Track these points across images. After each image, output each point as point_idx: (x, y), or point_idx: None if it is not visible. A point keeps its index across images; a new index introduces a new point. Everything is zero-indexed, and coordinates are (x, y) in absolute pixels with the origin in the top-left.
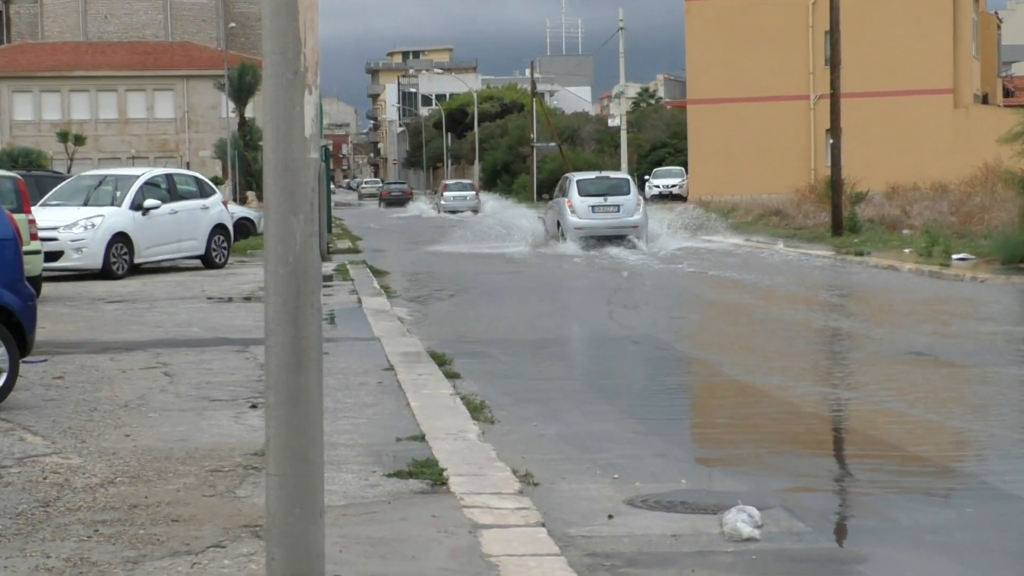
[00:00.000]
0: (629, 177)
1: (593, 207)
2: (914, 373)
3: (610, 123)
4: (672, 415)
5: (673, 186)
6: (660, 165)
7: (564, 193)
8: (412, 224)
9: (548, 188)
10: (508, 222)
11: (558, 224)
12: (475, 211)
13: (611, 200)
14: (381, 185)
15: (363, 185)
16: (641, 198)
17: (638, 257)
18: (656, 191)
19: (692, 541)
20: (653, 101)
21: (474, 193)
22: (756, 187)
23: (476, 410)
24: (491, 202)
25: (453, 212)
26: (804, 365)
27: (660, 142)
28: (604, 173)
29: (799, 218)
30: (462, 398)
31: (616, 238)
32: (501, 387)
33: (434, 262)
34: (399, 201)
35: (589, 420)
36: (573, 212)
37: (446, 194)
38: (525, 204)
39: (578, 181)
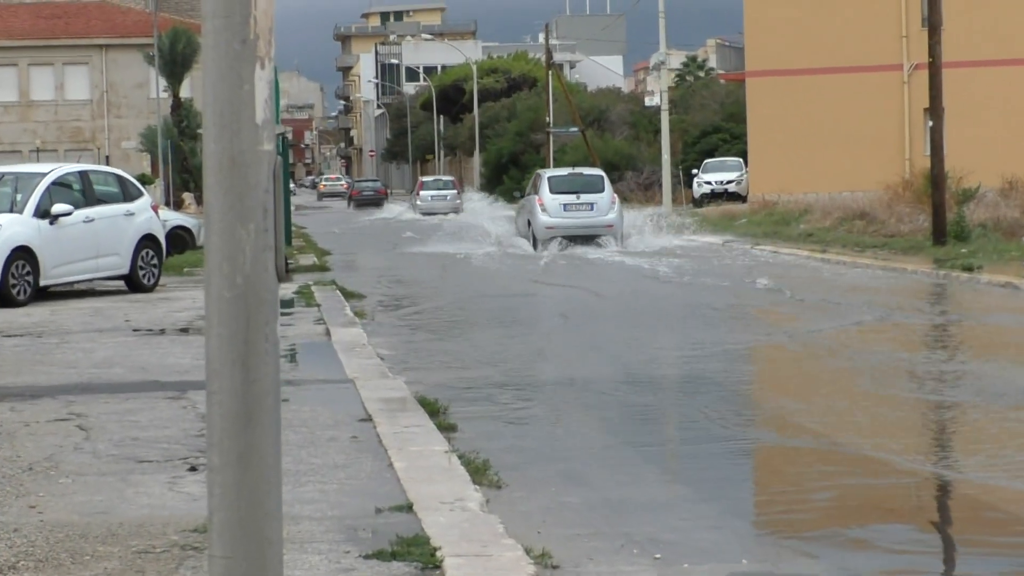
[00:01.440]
0: (603, 174)
1: (565, 205)
2: None
3: (647, 102)
4: (728, 475)
5: (729, 182)
6: (712, 155)
7: (535, 191)
8: (382, 228)
9: None
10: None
11: (529, 224)
12: (456, 212)
13: (584, 198)
14: (351, 183)
15: (324, 183)
16: (616, 196)
17: (671, 269)
18: (707, 189)
19: None
20: (703, 74)
21: (455, 192)
22: (835, 183)
23: (478, 471)
24: (475, 203)
25: (432, 214)
26: (896, 412)
27: (712, 126)
28: (578, 169)
29: (890, 222)
30: (460, 456)
31: (589, 238)
32: (510, 442)
33: (423, 279)
34: (372, 202)
35: (622, 483)
36: (544, 211)
37: (423, 193)
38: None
39: (550, 178)
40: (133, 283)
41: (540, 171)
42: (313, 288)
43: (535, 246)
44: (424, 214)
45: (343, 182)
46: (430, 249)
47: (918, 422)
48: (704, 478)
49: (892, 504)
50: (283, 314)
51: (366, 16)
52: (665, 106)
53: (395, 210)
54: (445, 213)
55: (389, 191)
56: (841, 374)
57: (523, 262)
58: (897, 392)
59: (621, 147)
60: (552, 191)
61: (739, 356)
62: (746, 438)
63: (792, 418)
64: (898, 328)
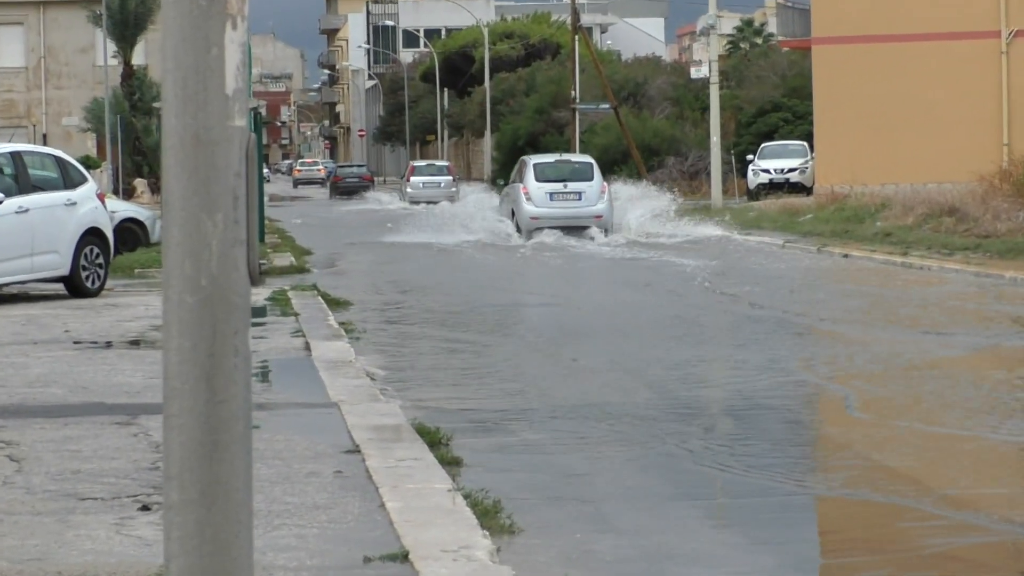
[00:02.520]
0: (592, 161)
1: (551, 194)
2: None
3: (693, 74)
4: (788, 520)
5: (791, 171)
6: (771, 138)
7: (520, 178)
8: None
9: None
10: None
11: (513, 214)
12: (451, 200)
13: (572, 187)
14: (332, 168)
15: (299, 167)
16: (606, 184)
17: (726, 283)
18: (764, 178)
19: None
20: (760, 40)
21: (450, 178)
22: (918, 173)
23: (487, 514)
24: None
25: (425, 203)
26: (993, 449)
27: (771, 103)
28: (565, 156)
29: (985, 220)
30: (466, 496)
31: (576, 229)
32: (524, 478)
33: (418, 283)
34: (358, 189)
35: (659, 528)
36: (529, 200)
37: (413, 179)
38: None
39: (535, 165)
40: (74, 286)
41: (525, 157)
42: (290, 294)
43: (523, 236)
44: (414, 203)
45: (320, 166)
46: (415, 239)
47: (1014, 456)
48: (758, 522)
49: (984, 556)
50: (254, 324)
51: None
52: (715, 79)
53: (382, 199)
54: (438, 202)
55: (382, 178)
56: (932, 405)
57: (530, 260)
58: (995, 424)
59: (662, 127)
60: (538, 179)
61: (800, 380)
62: (808, 471)
63: (863, 451)
64: (1000, 352)
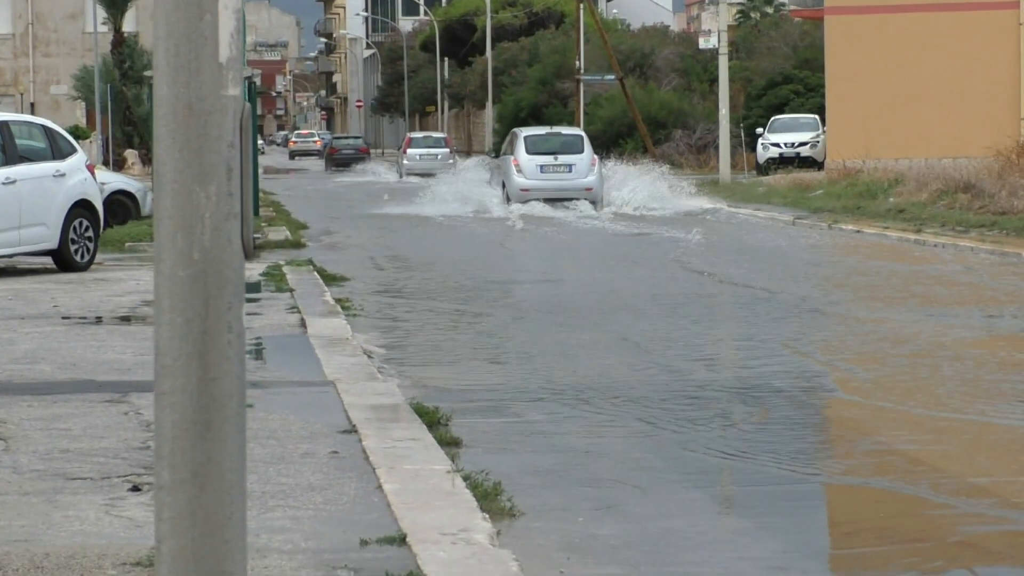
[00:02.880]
0: (583, 133)
1: (542, 167)
2: None
3: (702, 44)
4: (798, 504)
5: (802, 144)
6: (781, 111)
7: (511, 151)
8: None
9: (603, 146)
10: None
11: (504, 185)
12: (449, 173)
13: (562, 159)
14: (327, 140)
15: (294, 139)
16: (596, 157)
17: (730, 263)
18: (774, 152)
19: None
20: (771, 11)
21: (447, 150)
22: (933, 148)
23: (487, 496)
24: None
25: (421, 175)
26: (1006, 434)
27: (782, 75)
28: (556, 129)
29: (1001, 197)
30: (465, 477)
31: (565, 201)
32: (526, 460)
33: (417, 258)
34: (353, 161)
35: (665, 512)
36: (520, 172)
37: (410, 151)
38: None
39: (526, 137)
40: (63, 260)
41: (516, 129)
42: (285, 269)
43: (513, 206)
44: (410, 175)
45: (317, 138)
46: (411, 211)
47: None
48: (765, 506)
49: (1002, 542)
50: (249, 301)
51: None
52: (724, 50)
53: (379, 171)
54: (435, 174)
55: (380, 150)
56: (940, 387)
57: (526, 234)
58: (1008, 410)
59: (669, 100)
60: (528, 151)
61: (807, 361)
62: (816, 452)
63: (877, 435)
64: (1007, 338)
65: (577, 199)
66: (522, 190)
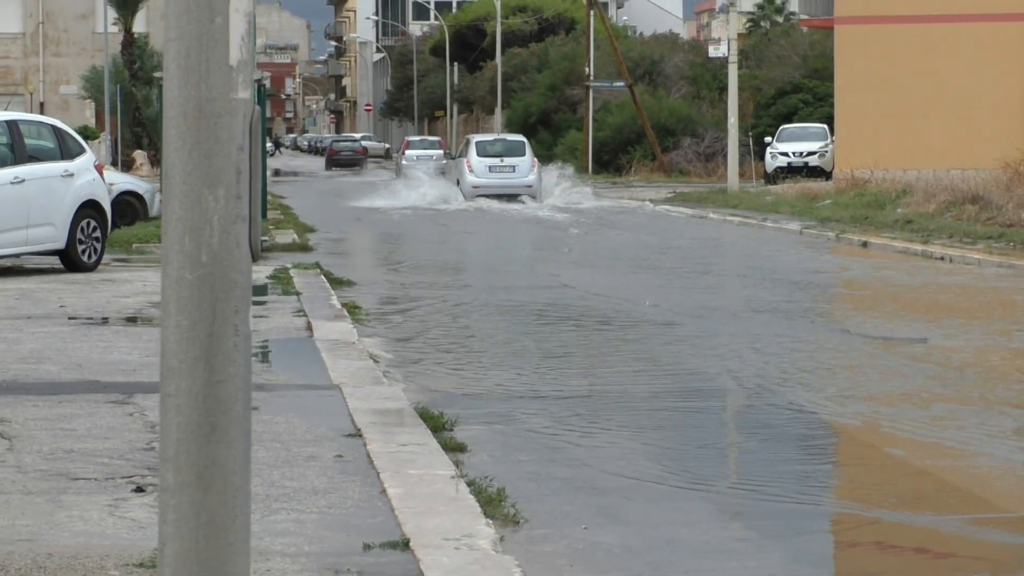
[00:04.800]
0: (525, 140)
1: (490, 167)
2: None
3: (712, 52)
4: (801, 513)
5: (810, 154)
6: (790, 120)
7: (464, 154)
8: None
9: (612, 152)
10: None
11: (458, 182)
12: (443, 174)
13: (507, 161)
14: (327, 141)
15: (299, 140)
16: (536, 160)
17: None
18: (782, 161)
19: None
20: (781, 19)
21: (441, 152)
22: (941, 159)
23: (491, 502)
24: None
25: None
26: (1008, 438)
27: (791, 84)
28: (502, 135)
29: (1008, 209)
30: (469, 483)
31: (510, 196)
32: (531, 467)
33: (428, 259)
34: (351, 163)
35: (669, 521)
36: (471, 171)
37: (408, 152)
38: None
39: (477, 142)
40: (70, 260)
41: (469, 136)
42: (292, 272)
43: (466, 200)
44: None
45: (359, 146)
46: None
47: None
48: (770, 515)
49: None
50: (255, 303)
51: None
52: (733, 58)
53: (374, 172)
54: (443, 173)
55: (390, 151)
56: (943, 391)
57: (540, 233)
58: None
59: (677, 107)
60: (479, 154)
61: (816, 368)
62: (819, 463)
63: (874, 439)
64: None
65: (520, 195)
66: (473, 187)
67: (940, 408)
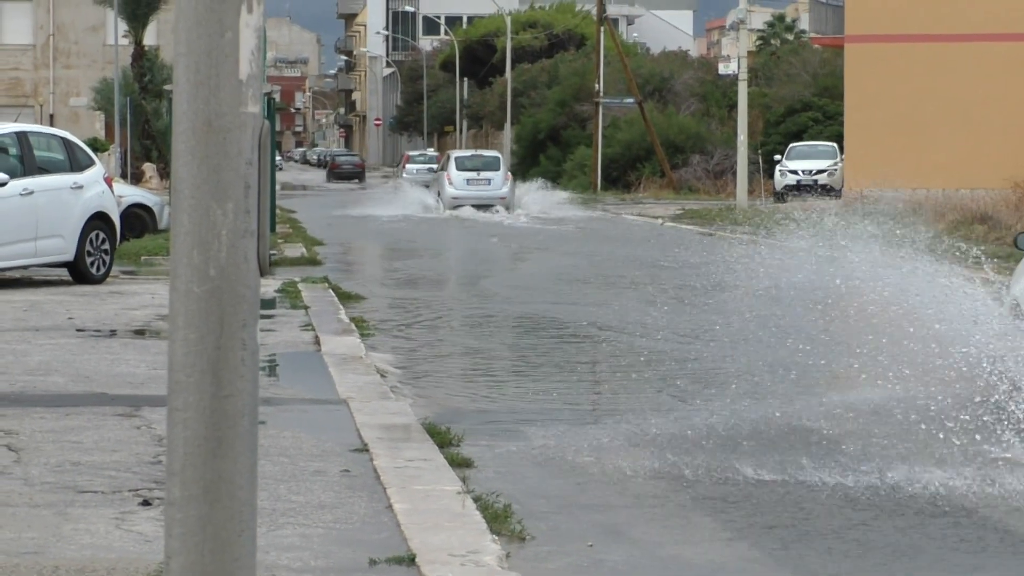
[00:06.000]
0: (500, 155)
1: (468, 180)
2: None
3: (722, 70)
4: (809, 533)
5: (819, 172)
6: (799, 138)
7: (445, 168)
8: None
9: (621, 169)
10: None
11: (439, 194)
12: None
13: (483, 175)
14: (331, 155)
15: (309, 154)
16: (509, 174)
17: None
18: (791, 179)
19: None
20: (791, 37)
21: (437, 166)
22: (951, 178)
23: (498, 518)
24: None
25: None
26: None
27: (801, 102)
28: (479, 151)
29: (1018, 228)
30: (476, 499)
31: (486, 206)
32: (537, 483)
33: (434, 272)
34: (351, 175)
35: (675, 539)
36: (451, 184)
37: (408, 166)
38: (569, 192)
39: (456, 157)
40: (79, 272)
41: (450, 152)
42: (300, 286)
43: (445, 210)
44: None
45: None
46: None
47: None
48: (775, 534)
49: None
50: (263, 317)
51: None
52: (744, 75)
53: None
54: (428, 185)
55: (400, 163)
56: None
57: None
58: None
59: (687, 124)
60: (458, 168)
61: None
62: (834, 485)
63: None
64: None
65: (495, 205)
66: (453, 198)
67: None
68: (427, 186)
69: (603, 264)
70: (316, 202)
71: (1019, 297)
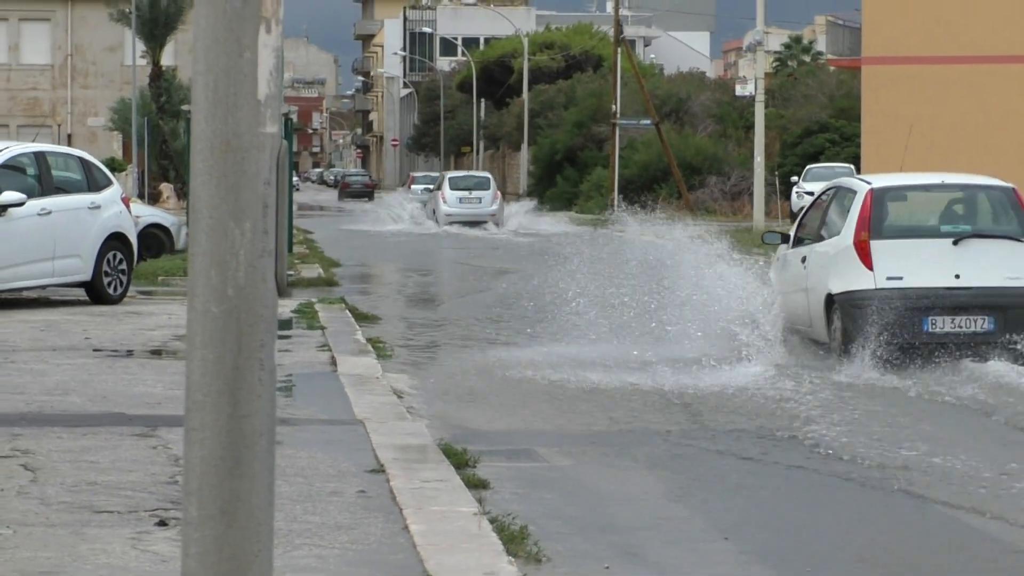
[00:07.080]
0: (490, 176)
1: (460, 199)
2: None
3: (739, 91)
4: (828, 557)
5: None
6: (817, 160)
7: (439, 188)
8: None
9: (638, 190)
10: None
11: (434, 212)
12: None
13: (475, 194)
14: (342, 175)
15: (326, 175)
16: (499, 193)
17: None
18: (808, 201)
19: None
20: (808, 58)
21: (434, 185)
22: None
23: (514, 540)
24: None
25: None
26: None
27: (818, 123)
28: (470, 172)
29: None
30: (492, 520)
31: (478, 223)
32: (554, 505)
33: (453, 292)
34: (361, 194)
35: (693, 562)
36: (445, 202)
37: (414, 186)
38: (571, 214)
39: (450, 178)
40: (96, 292)
41: (444, 172)
42: (317, 306)
43: (440, 226)
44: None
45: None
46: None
47: None
48: (798, 557)
49: None
50: (280, 337)
51: None
52: (761, 97)
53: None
54: (423, 204)
55: (406, 183)
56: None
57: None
58: None
59: (704, 145)
60: (451, 188)
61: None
62: (855, 508)
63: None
64: None
65: (485, 222)
66: (447, 215)
67: None
68: (424, 204)
69: None
70: (331, 222)
71: (772, 278)
